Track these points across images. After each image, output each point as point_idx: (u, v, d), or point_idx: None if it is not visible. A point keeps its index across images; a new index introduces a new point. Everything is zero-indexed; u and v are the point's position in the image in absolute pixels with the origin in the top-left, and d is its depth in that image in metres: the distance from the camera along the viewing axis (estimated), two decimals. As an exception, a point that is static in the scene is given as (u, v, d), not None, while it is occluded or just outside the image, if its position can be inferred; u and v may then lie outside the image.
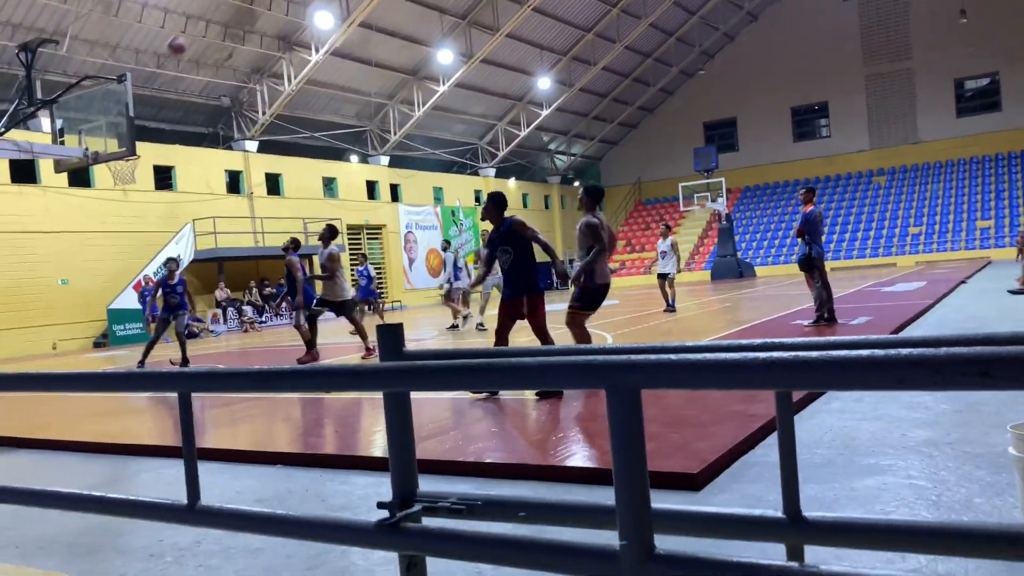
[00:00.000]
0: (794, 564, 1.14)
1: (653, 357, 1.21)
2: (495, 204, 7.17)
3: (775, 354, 1.11)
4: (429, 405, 6.82)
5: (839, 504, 3.62)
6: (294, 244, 11.65)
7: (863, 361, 1.05)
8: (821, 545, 1.30)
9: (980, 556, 1.22)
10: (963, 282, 17.85)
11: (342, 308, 11.02)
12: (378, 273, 31.92)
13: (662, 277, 16.00)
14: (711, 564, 1.18)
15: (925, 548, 1.26)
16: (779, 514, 1.30)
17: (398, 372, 1.47)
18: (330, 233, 11.11)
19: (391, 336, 1.64)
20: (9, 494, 2.14)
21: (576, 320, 7.18)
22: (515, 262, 7.02)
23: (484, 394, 6.92)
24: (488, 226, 7.42)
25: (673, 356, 1.20)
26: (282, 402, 7.99)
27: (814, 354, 1.08)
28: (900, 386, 1.04)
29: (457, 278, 15.90)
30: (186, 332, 14.03)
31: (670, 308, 15.56)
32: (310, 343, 11.23)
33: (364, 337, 11.13)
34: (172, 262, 12.92)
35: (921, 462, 4.14)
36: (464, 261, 21.24)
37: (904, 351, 1.04)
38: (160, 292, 12.56)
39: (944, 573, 2.23)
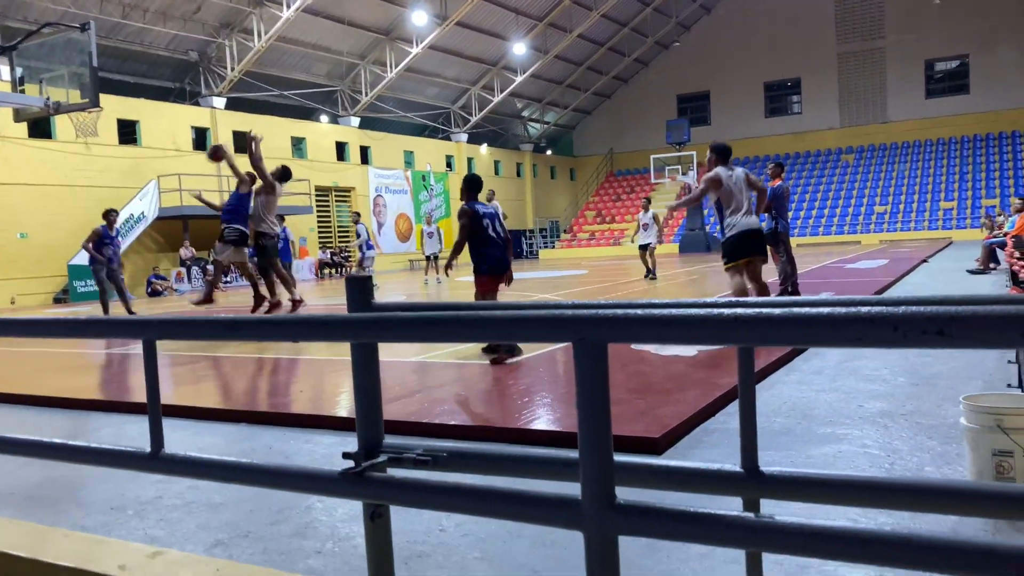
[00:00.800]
0: (749, 515, 1.17)
1: (620, 312, 1.22)
2: (467, 186, 7.19)
3: (740, 310, 1.13)
4: (395, 368, 6.82)
5: (795, 470, 3.71)
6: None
7: (823, 318, 1.08)
8: (777, 499, 1.34)
9: (926, 511, 1.27)
10: (925, 261, 18.19)
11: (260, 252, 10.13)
12: (345, 237, 31.66)
13: (643, 248, 17.06)
14: (669, 513, 1.21)
15: (875, 503, 1.30)
16: (737, 468, 1.33)
17: (366, 323, 1.47)
18: (282, 172, 10.24)
19: (359, 288, 1.64)
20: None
21: (731, 274, 7.52)
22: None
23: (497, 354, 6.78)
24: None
25: (640, 311, 1.22)
26: (245, 361, 7.94)
27: (777, 311, 1.10)
28: (859, 343, 1.06)
29: (370, 247, 16.98)
30: (148, 290, 13.89)
31: (651, 276, 16.42)
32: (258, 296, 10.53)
33: (260, 290, 10.33)
34: (113, 213, 12.82)
35: (876, 432, 4.25)
36: (435, 226, 21.30)
37: (863, 309, 1.06)
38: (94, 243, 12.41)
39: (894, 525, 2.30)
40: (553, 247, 39.66)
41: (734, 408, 4.97)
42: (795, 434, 4.29)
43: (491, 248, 7.04)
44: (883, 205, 34.96)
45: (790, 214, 11.99)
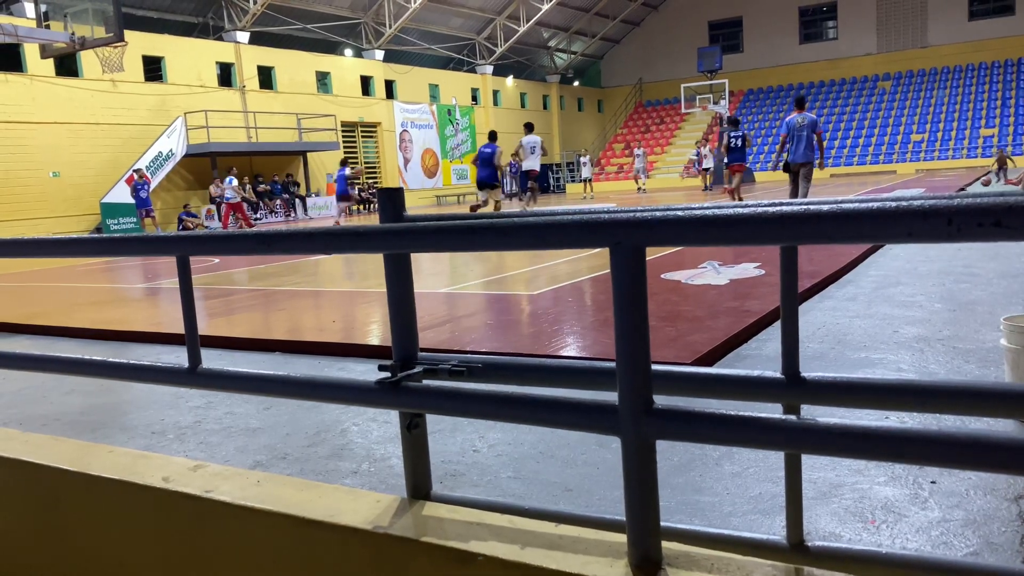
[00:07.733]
0: (791, 417, 1.16)
1: (659, 213, 1.19)
2: (731, 123, 13.61)
3: (785, 208, 1.09)
4: (423, 299, 6.86)
5: (828, 393, 3.69)
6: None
7: (873, 213, 1.04)
8: (818, 404, 1.32)
9: (968, 413, 1.25)
10: (962, 190, 17.76)
11: None
12: (373, 173, 31.58)
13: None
14: (707, 417, 1.20)
15: (917, 407, 1.28)
16: (778, 375, 1.31)
17: (399, 233, 1.45)
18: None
19: (391, 200, 1.62)
20: (16, 360, 2.15)
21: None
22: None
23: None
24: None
25: (680, 213, 1.18)
26: (279, 294, 8.03)
27: (825, 207, 1.07)
28: (910, 238, 1.03)
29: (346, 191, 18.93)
30: (180, 228, 14.10)
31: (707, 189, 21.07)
32: None
33: None
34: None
35: (911, 356, 4.20)
36: (642, 151, 25.64)
37: (915, 203, 1.02)
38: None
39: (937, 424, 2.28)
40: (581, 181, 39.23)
41: (767, 335, 4.93)
42: (828, 359, 4.26)
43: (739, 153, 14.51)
44: (920, 133, 33.99)
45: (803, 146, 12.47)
